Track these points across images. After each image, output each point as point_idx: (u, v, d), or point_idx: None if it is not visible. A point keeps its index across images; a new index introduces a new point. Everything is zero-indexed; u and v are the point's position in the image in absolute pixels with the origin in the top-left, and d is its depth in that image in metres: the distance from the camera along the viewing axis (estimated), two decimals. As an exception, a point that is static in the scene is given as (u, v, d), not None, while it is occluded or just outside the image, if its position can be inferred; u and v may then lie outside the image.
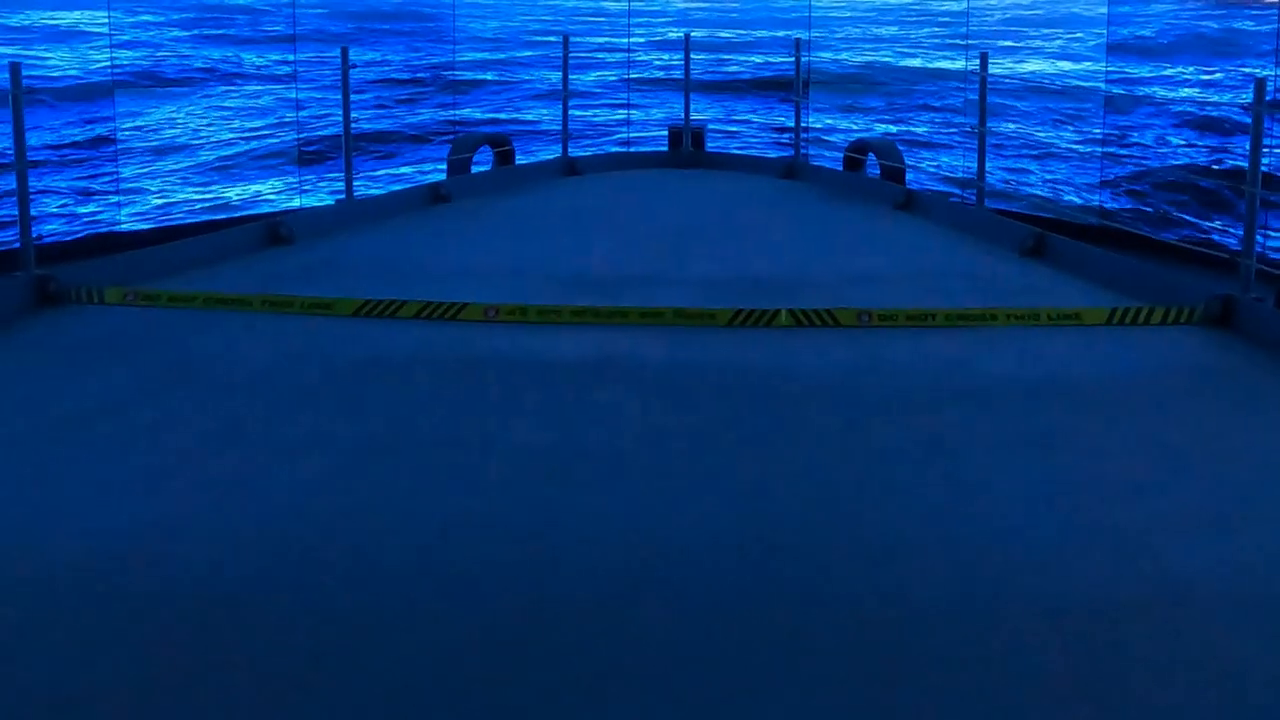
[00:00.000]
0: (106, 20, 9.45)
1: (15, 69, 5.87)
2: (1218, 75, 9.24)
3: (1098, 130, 10.65)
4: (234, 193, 10.88)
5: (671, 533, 3.35)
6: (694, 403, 4.52)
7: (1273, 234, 8.12)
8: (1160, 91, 9.66)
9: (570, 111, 10.96)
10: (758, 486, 3.71)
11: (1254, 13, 8.67)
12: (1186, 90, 9.70)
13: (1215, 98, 9.40)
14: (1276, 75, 8.61)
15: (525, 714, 2.46)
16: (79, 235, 9.55)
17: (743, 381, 4.78)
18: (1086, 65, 10.84)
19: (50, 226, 9.03)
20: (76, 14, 9.68)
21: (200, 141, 10.77)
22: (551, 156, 10.73)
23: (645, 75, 13.53)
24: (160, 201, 10.41)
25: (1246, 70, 9.13)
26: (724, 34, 13.56)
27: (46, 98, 9.35)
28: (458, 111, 12.99)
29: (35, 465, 3.81)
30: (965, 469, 3.86)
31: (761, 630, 2.79)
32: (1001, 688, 2.54)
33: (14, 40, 9.31)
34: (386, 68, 12.16)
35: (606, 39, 13.26)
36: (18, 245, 5.99)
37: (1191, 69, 9.09)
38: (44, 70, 9.30)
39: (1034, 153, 11.24)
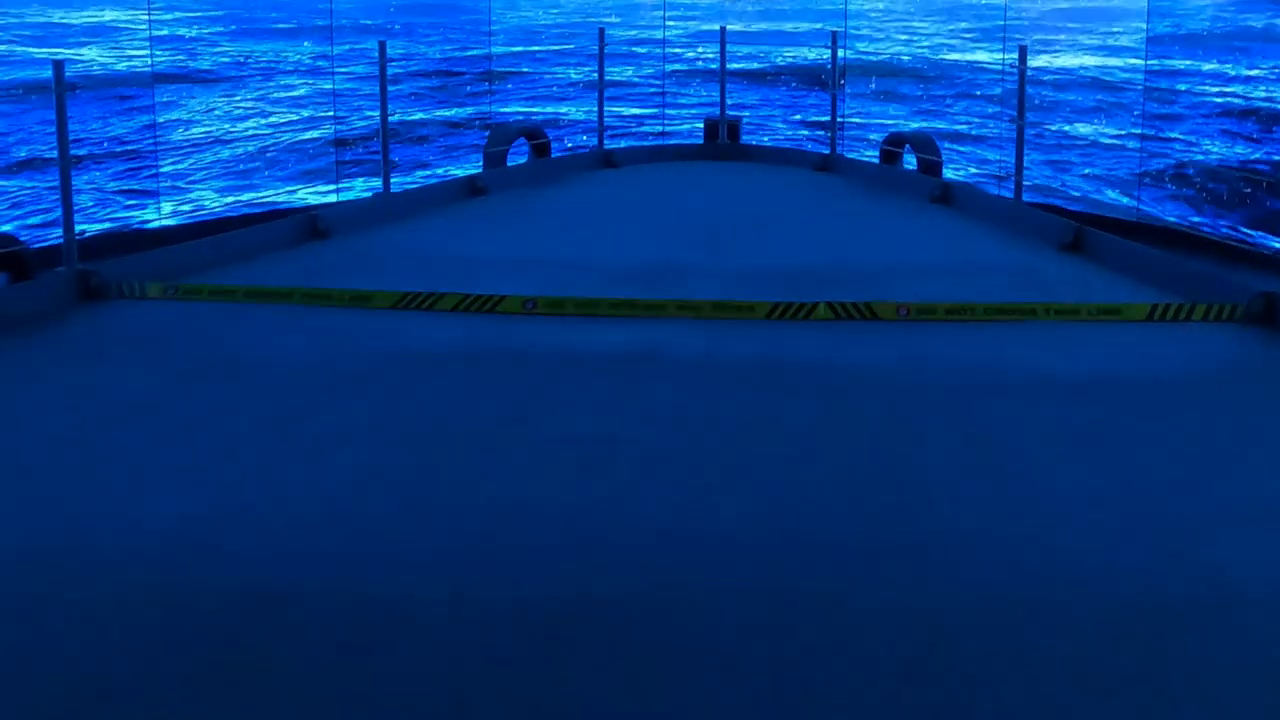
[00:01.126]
0: (146, 17, 9.53)
1: (58, 66, 5.92)
2: (1259, 71, 9.14)
3: (1136, 126, 10.54)
4: (271, 187, 10.99)
5: (709, 525, 3.35)
6: (732, 396, 4.52)
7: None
8: (1203, 85, 9.56)
9: (607, 105, 10.98)
10: (797, 480, 3.70)
11: None
12: (1230, 85, 9.59)
13: (1260, 91, 9.28)
14: None
15: (567, 700, 2.47)
16: (120, 229, 9.64)
17: (781, 374, 4.77)
18: (1125, 59, 10.71)
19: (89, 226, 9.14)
20: (113, 12, 9.77)
21: (238, 134, 10.84)
22: (588, 149, 10.75)
23: (685, 67, 13.50)
24: (199, 195, 10.51)
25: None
26: (760, 26, 13.48)
27: (85, 92, 9.44)
28: (492, 105, 13.01)
29: (82, 458, 3.81)
30: (1008, 464, 3.84)
31: (801, 624, 2.79)
32: (1046, 685, 2.53)
33: (54, 36, 9.39)
34: (416, 61, 12.19)
35: (640, 32, 13.25)
36: (61, 241, 6.01)
37: (1230, 65, 9.02)
38: (83, 65, 9.37)
39: (1075, 145, 11.14)
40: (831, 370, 4.82)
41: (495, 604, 2.89)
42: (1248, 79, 8.71)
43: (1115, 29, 9.55)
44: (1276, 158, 9.24)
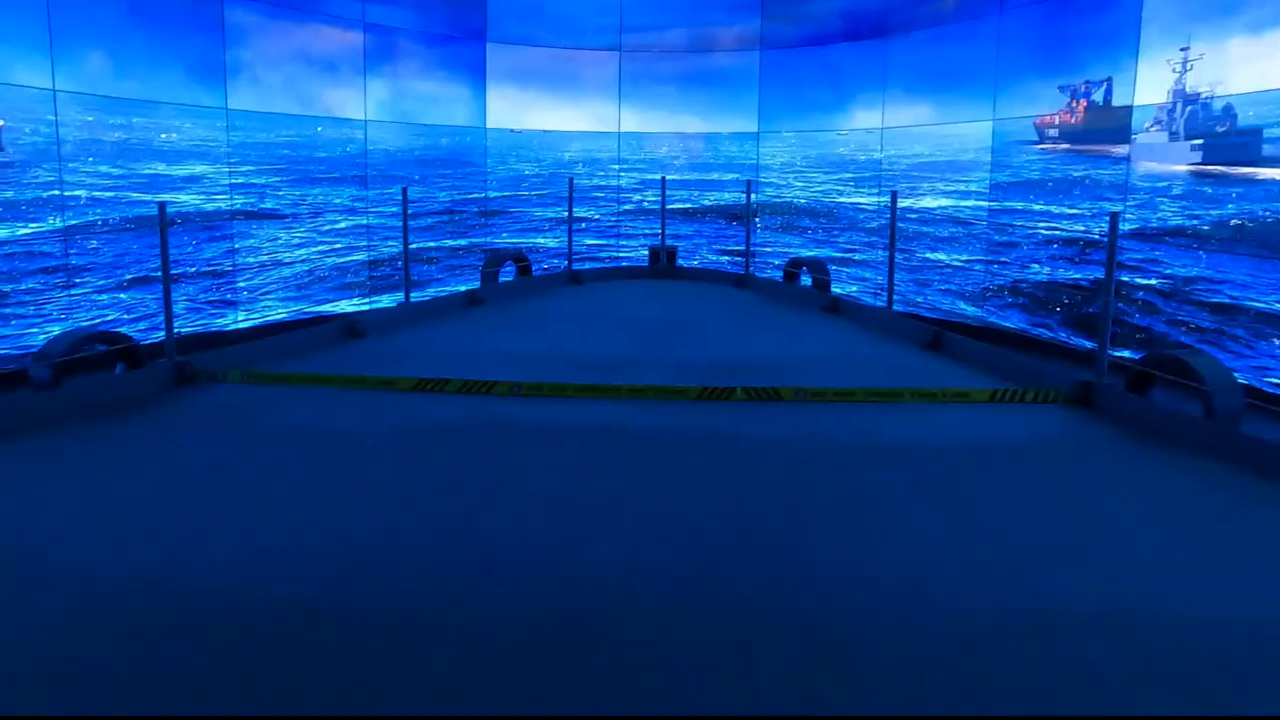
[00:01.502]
0: (228, 169, 9.73)
1: (161, 207, 5.98)
2: (1079, 210, 9.53)
3: (981, 252, 10.92)
4: (320, 299, 11.08)
5: (654, 558, 3.33)
6: (671, 458, 4.49)
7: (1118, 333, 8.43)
8: (1033, 222, 10.00)
9: (575, 237, 11.18)
10: (719, 523, 3.68)
11: (1108, 161, 9.07)
12: (1054, 222, 10.02)
13: (1079, 227, 9.66)
14: (1124, 210, 8.89)
15: (540, 693, 2.48)
16: (208, 330, 9.70)
17: (708, 442, 4.72)
18: (973, 202, 11.13)
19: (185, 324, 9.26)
20: (202, 166, 9.95)
21: (295, 259, 10.98)
22: (560, 270, 10.95)
23: (633, 207, 13.84)
24: (267, 304, 10.58)
25: (1100, 206, 9.42)
26: (693, 175, 13.86)
27: (182, 225, 9.57)
28: (487, 237, 13.23)
29: (175, 506, 3.81)
30: (878, 513, 3.78)
31: (721, 634, 2.78)
32: (899, 682, 2.54)
33: (159, 184, 9.52)
34: (429, 203, 12.42)
35: (600, 179, 13.58)
36: (163, 339, 6.01)
37: (1055, 205, 9.50)
38: (179, 205, 9.52)
39: (934, 267, 11.52)
40: (745, 439, 4.78)
41: (491, 620, 2.88)
42: (1068, 215, 9.23)
43: (965, 178, 10.09)
44: (1089, 276, 9.62)
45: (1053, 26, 9.88)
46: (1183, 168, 8.38)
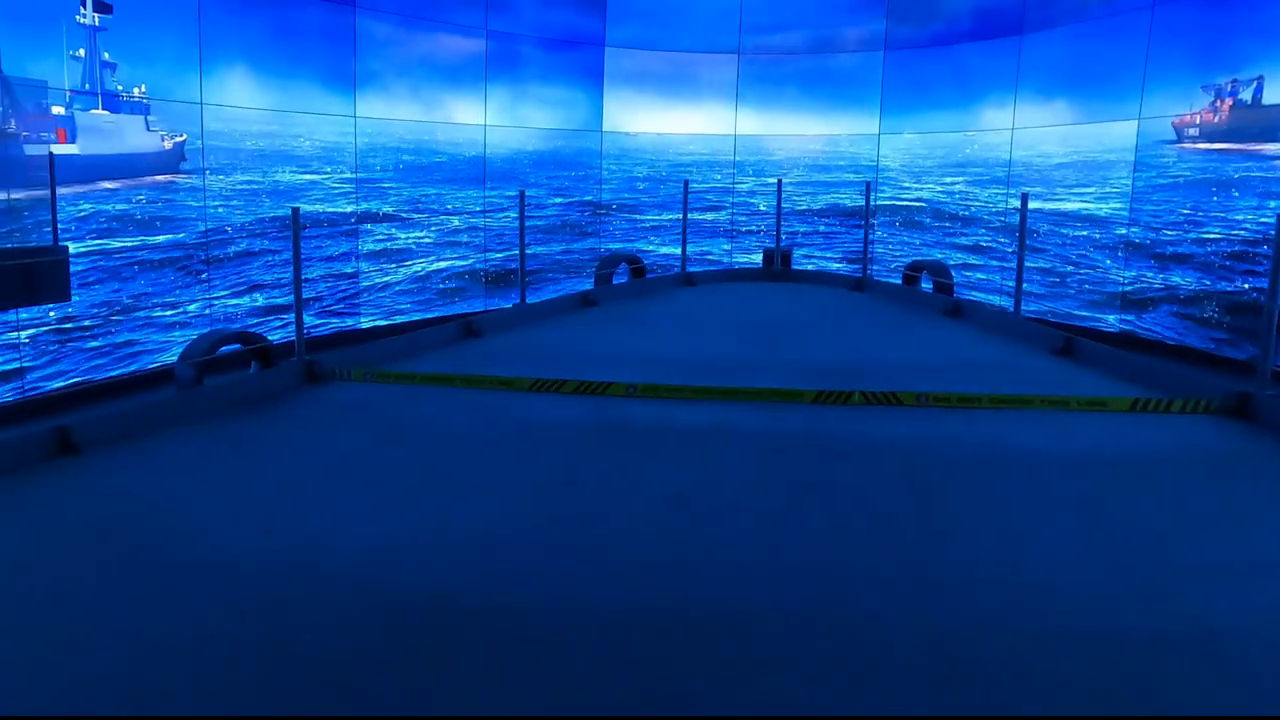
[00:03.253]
0: (354, 175, 10.10)
1: (295, 212, 6.19)
2: (1238, 215, 8.94)
3: (1124, 254, 10.33)
4: (441, 300, 11.40)
5: (771, 559, 3.32)
6: (787, 461, 4.45)
7: None
8: (1183, 225, 9.43)
9: (690, 239, 11.16)
10: (837, 527, 3.62)
11: (1257, 161, 8.56)
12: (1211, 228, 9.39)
13: (1240, 231, 9.04)
14: None
15: (667, 690, 2.48)
16: (336, 330, 10.09)
17: (824, 446, 4.66)
18: (1114, 204, 10.55)
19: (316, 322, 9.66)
20: (327, 171, 10.38)
21: (416, 261, 11.31)
22: (674, 272, 10.95)
23: (748, 210, 13.72)
24: (391, 304, 10.94)
25: (1251, 204, 8.78)
26: (811, 177, 13.64)
27: (314, 229, 9.98)
28: (601, 240, 13.34)
29: (310, 498, 3.94)
30: (1011, 524, 3.65)
31: (845, 641, 2.74)
32: (1040, 700, 2.44)
33: (293, 193, 9.97)
34: (549, 206, 12.59)
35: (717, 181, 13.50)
36: (293, 338, 6.22)
37: (1204, 208, 8.92)
38: (311, 209, 9.92)
39: (1069, 270, 10.98)
40: (864, 443, 4.70)
41: (609, 611, 2.92)
42: (1224, 220, 8.64)
43: (1106, 181, 9.58)
44: (1243, 285, 8.98)
45: (1212, 19, 9.26)
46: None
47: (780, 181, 11.23)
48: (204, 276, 9.10)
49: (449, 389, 5.81)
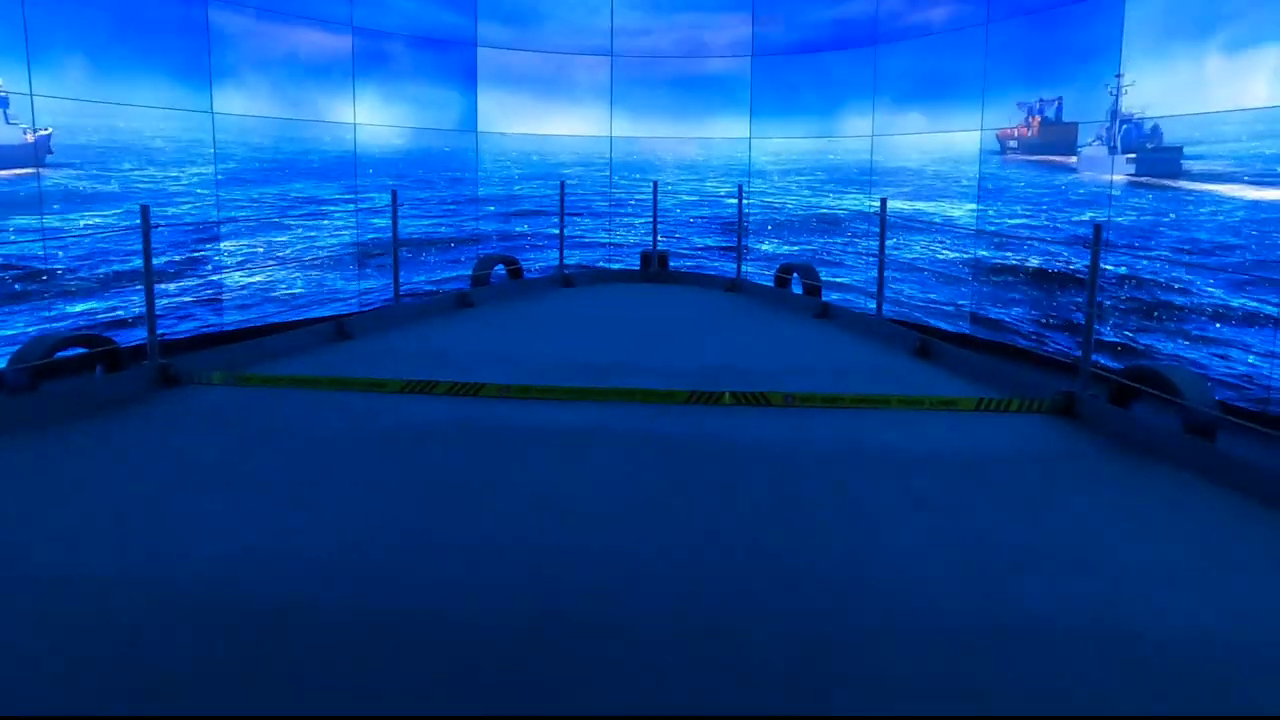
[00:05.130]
0: (214, 171, 9.66)
1: (144, 210, 5.91)
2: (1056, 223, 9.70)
3: (969, 256, 10.93)
4: (309, 299, 11.02)
5: (640, 559, 3.34)
6: (658, 461, 4.49)
7: (1102, 344, 8.42)
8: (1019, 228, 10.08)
9: (567, 241, 11.17)
10: (705, 525, 3.67)
11: (1059, 170, 9.52)
12: (1038, 229, 10.09)
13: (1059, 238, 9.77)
14: (1107, 222, 9.00)
15: (534, 694, 2.48)
16: (195, 333, 9.63)
17: (695, 446, 4.72)
18: (968, 207, 11.15)
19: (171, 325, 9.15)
20: (191, 175, 9.87)
21: (284, 261, 10.89)
22: (551, 272, 10.93)
23: (623, 211, 13.82)
24: (257, 305, 10.50)
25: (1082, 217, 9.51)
26: (685, 179, 13.84)
27: (170, 232, 9.49)
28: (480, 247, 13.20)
29: (159, 508, 3.77)
30: (863, 522, 3.79)
31: (696, 646, 2.77)
32: (888, 684, 2.55)
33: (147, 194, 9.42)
34: (423, 205, 12.35)
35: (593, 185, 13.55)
36: (145, 340, 5.94)
37: (1040, 217, 9.62)
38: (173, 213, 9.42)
39: (924, 273, 11.53)
40: (733, 443, 4.77)
41: (471, 617, 2.89)
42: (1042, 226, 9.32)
43: (954, 186, 10.13)
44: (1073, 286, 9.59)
45: (1037, 39, 10.04)
46: (1120, 178, 8.94)
47: (656, 184, 11.35)
48: (44, 278, 8.51)
49: (316, 391, 5.65)
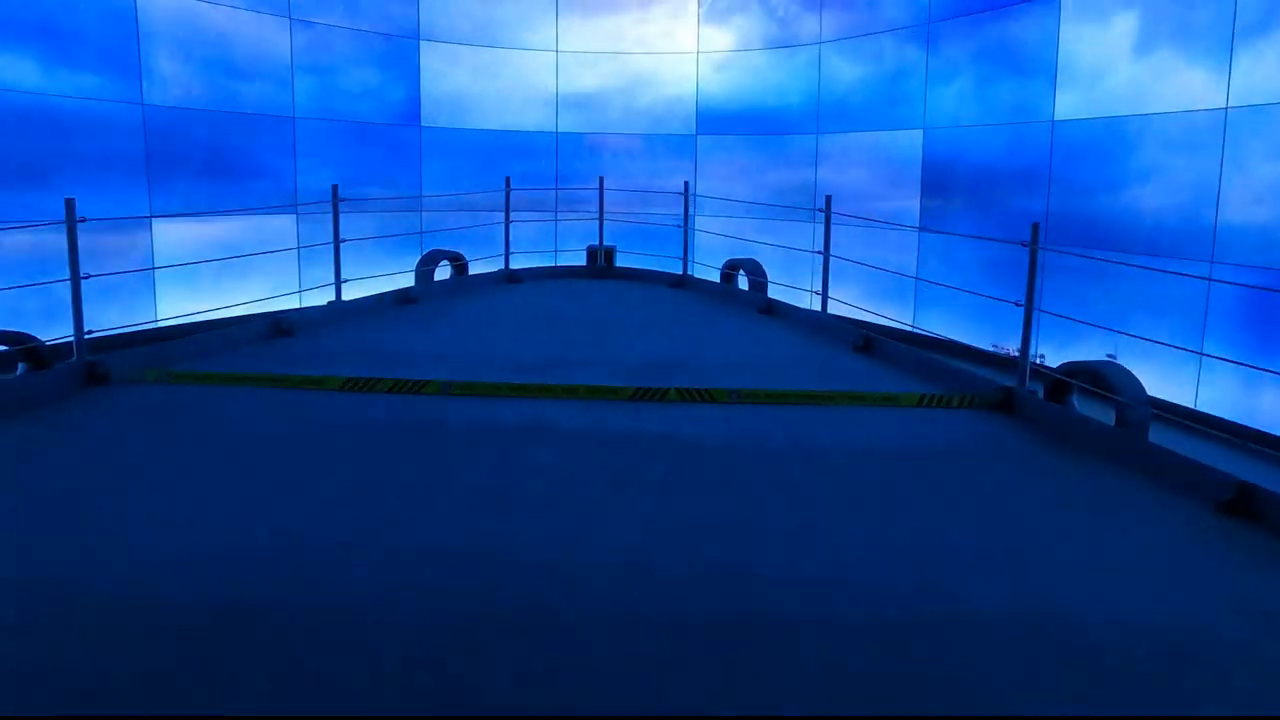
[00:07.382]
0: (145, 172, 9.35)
1: (70, 205, 5.73)
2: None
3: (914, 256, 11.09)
4: (247, 293, 10.75)
5: (583, 555, 3.32)
6: (602, 458, 4.45)
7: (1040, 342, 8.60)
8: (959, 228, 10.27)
9: (513, 236, 11.07)
10: (649, 521, 3.65)
11: None
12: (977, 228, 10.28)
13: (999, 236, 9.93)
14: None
15: (470, 689, 2.46)
16: (125, 329, 9.33)
17: (640, 442, 4.69)
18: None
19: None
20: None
21: (220, 254, 10.62)
22: (497, 268, 10.82)
23: (571, 207, 13.76)
24: (189, 300, 10.23)
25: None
26: (633, 176, 13.82)
27: (96, 226, 9.17)
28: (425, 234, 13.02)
29: (92, 507, 3.66)
30: (807, 511, 3.82)
31: (635, 643, 2.76)
32: (820, 688, 2.54)
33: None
34: (366, 202, 12.13)
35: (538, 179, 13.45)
36: (72, 339, 5.75)
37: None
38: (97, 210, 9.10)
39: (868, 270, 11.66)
40: (678, 439, 4.75)
41: (412, 615, 2.86)
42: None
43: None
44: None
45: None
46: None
47: (602, 180, 11.28)
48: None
49: (253, 389, 5.52)
